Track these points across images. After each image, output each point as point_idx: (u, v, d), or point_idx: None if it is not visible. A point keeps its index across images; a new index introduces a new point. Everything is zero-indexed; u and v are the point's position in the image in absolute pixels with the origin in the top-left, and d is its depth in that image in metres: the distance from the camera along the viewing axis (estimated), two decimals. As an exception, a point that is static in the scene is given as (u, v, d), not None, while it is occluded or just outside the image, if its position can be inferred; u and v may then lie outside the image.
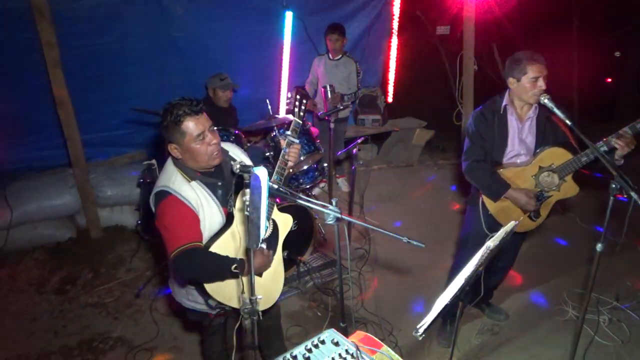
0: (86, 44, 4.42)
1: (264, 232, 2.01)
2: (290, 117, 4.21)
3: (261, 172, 1.70)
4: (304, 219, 2.50)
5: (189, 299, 2.32)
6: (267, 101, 4.08)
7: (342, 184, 5.63)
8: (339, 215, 1.99)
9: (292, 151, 2.38)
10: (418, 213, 5.14)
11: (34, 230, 4.53)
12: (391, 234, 1.92)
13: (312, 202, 2.06)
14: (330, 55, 5.07)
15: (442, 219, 4.94)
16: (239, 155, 2.38)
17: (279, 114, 4.97)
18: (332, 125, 4.47)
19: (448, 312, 2.15)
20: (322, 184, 5.38)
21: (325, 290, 3.85)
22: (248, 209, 1.76)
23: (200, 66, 4.92)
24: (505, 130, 2.87)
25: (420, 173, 6.21)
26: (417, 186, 5.84)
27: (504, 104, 2.87)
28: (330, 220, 2.04)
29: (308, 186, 4.32)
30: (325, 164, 4.44)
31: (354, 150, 3.99)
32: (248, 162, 2.37)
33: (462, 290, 1.66)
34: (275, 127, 3.86)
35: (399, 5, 5.74)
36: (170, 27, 4.75)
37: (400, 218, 4.91)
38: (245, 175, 1.83)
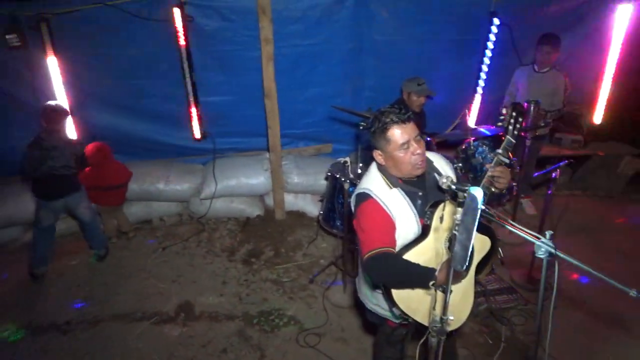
0: (297, 43, 4.76)
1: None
2: (482, 129, 4.05)
3: (478, 193, 1.63)
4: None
5: (373, 301, 2.36)
6: (466, 112, 3.95)
7: (527, 205, 5.19)
8: (554, 251, 1.82)
9: (500, 171, 2.23)
10: (616, 253, 4.46)
11: (230, 203, 5.14)
12: (615, 283, 1.70)
13: (523, 230, 1.92)
14: (536, 67, 4.68)
15: (647, 265, 4.24)
16: (444, 167, 2.33)
17: (471, 126, 4.77)
18: (528, 143, 4.16)
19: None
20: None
21: (500, 318, 3.60)
22: (458, 229, 1.72)
23: (396, 70, 4.97)
24: None
25: (623, 207, 5.39)
26: (618, 222, 5.09)
27: None
28: (540, 254, 1.88)
29: (492, 204, 4.08)
30: (515, 183, 4.15)
31: (554, 174, 3.66)
32: (453, 176, 2.30)
33: None
34: (470, 140, 3.71)
35: (628, 15, 4.97)
36: (372, 29, 4.88)
37: (592, 255, 4.33)
38: (460, 194, 1.78)
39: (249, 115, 5.11)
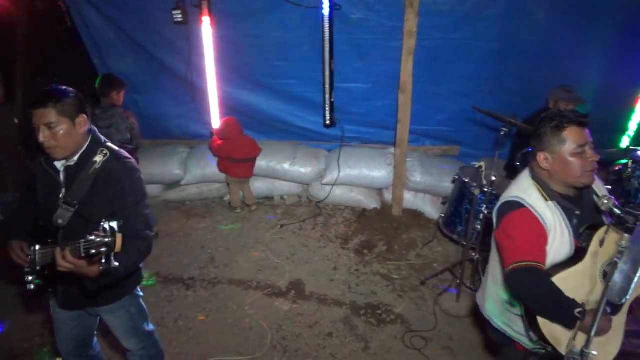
0: (438, 37, 4.62)
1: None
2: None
3: (655, 221, 1.44)
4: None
5: (502, 320, 2.20)
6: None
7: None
8: None
9: None
10: None
11: (349, 192, 5.19)
12: None
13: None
14: None
15: None
16: (600, 188, 2.11)
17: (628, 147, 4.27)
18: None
19: None
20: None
21: (634, 364, 3.21)
22: (621, 258, 1.53)
23: (541, 75, 4.67)
24: None
25: None
26: None
27: None
28: None
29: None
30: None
31: None
32: (607, 195, 2.07)
33: None
34: (628, 162, 3.32)
35: None
36: (522, 30, 4.56)
37: None
38: (629, 219, 1.59)
39: (379, 106, 5.12)
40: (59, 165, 2.12)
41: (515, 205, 1.97)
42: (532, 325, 1.92)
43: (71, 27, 5.07)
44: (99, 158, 2.11)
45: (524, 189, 2.02)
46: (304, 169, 5.14)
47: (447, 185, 4.76)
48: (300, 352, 3.33)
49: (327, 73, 4.78)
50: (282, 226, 4.90)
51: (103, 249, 1.74)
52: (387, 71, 4.80)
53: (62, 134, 2.01)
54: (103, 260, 1.77)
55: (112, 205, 2.09)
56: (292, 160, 5.15)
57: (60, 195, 2.11)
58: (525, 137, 3.77)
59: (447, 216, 4.00)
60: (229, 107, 5.29)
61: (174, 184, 5.39)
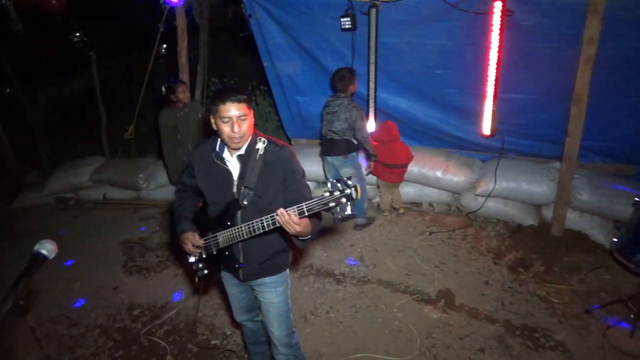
0: (623, 46, 4.18)
1: None
2: None
3: None
4: None
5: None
6: None
7: None
8: None
9: None
10: None
11: (504, 206, 4.98)
12: None
13: None
14: None
15: None
16: None
17: None
18: None
19: None
20: None
21: None
22: None
23: None
24: None
25: None
26: None
27: None
28: None
29: None
30: None
31: None
32: None
33: None
34: None
35: None
36: None
37: None
38: None
39: (544, 118, 4.82)
40: (227, 156, 2.42)
41: None
42: None
43: (248, 33, 5.64)
44: (260, 145, 2.38)
45: None
46: (456, 178, 5.05)
47: (620, 208, 4.32)
48: (450, 363, 3.30)
49: (491, 82, 4.63)
50: (431, 233, 4.88)
51: (343, 199, 1.96)
52: (557, 82, 4.50)
53: (248, 125, 2.30)
54: (340, 210, 2.00)
55: (284, 182, 2.36)
56: (444, 169, 5.09)
57: (235, 182, 2.40)
58: None
59: (624, 242, 3.62)
60: (383, 112, 5.42)
61: (325, 183, 5.67)
